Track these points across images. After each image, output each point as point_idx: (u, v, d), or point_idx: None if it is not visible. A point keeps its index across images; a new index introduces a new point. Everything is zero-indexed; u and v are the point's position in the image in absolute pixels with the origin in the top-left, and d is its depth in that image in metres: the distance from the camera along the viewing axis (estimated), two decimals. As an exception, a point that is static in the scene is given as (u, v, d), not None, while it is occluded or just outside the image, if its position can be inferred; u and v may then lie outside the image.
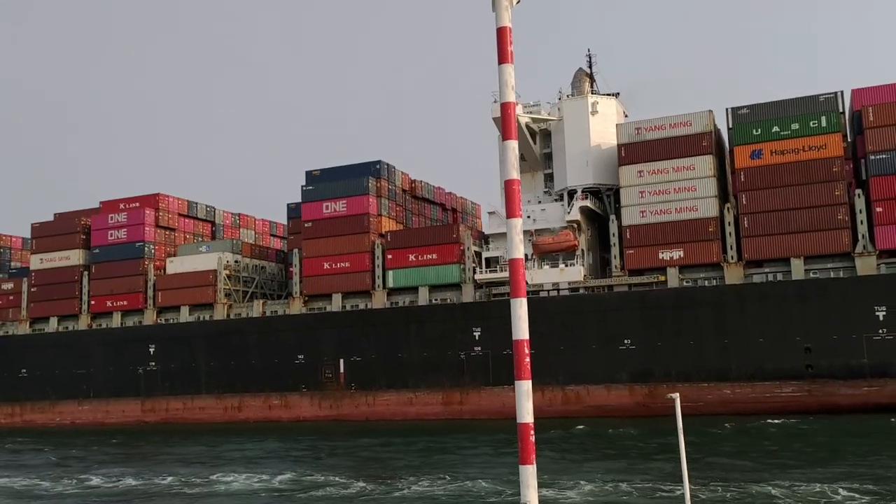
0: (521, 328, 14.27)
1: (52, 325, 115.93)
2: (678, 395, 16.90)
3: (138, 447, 78.91)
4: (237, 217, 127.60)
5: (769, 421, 68.37)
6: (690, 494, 17.16)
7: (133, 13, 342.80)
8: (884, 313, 72.73)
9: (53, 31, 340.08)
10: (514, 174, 14.21)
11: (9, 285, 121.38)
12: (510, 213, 14.52)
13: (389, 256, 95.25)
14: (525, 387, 14.17)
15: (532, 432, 14.25)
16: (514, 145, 14.16)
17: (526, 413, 14.14)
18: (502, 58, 14.44)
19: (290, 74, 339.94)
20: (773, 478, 40.31)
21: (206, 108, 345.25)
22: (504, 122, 14.55)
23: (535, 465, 14.04)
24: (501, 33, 14.30)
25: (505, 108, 14.55)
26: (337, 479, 47.87)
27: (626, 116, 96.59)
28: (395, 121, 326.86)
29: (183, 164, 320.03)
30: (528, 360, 14.26)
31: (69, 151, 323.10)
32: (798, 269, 76.80)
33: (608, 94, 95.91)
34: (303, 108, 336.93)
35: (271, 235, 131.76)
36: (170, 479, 51.79)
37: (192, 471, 54.93)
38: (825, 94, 79.30)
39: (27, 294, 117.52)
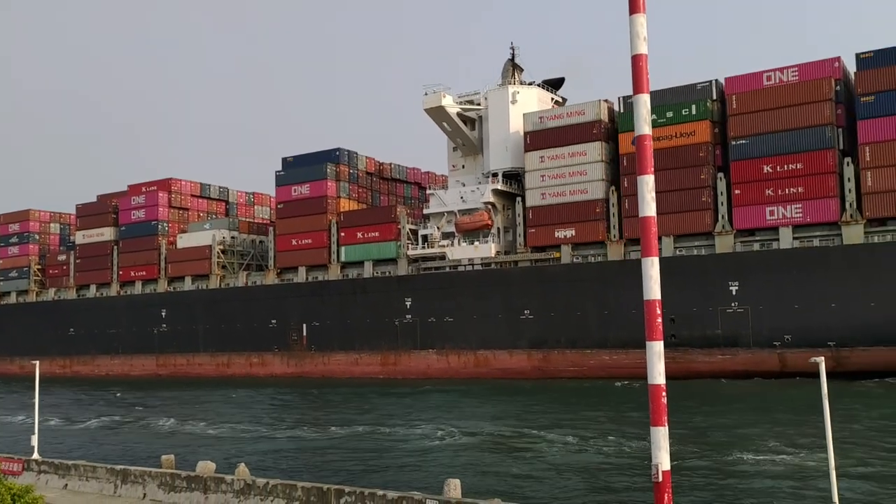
0: (653, 288, 13.76)
1: (92, 292, 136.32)
2: (823, 358, 16.08)
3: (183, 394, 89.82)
4: (251, 196, 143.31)
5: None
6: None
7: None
8: (736, 288, 78.63)
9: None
10: (647, 129, 14.25)
11: (63, 257, 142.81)
12: (641, 170, 14.49)
13: (342, 234, 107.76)
14: (657, 347, 13.55)
15: (664, 394, 13.51)
16: (645, 99, 14.03)
17: (658, 374, 13.42)
18: (633, 7, 13.68)
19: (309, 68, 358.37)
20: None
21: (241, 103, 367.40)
22: (635, 75, 14.05)
23: (666, 427, 13.54)
24: None
25: (637, 60, 13.77)
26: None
27: (557, 103, 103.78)
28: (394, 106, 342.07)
29: (232, 152, 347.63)
30: (659, 320, 13.71)
31: (118, 139, 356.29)
32: (668, 246, 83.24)
33: (538, 84, 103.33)
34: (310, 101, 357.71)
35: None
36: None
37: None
38: (702, 82, 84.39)
39: (74, 265, 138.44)
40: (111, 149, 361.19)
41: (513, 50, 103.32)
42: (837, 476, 16.58)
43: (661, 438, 13.39)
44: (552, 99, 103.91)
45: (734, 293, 78.71)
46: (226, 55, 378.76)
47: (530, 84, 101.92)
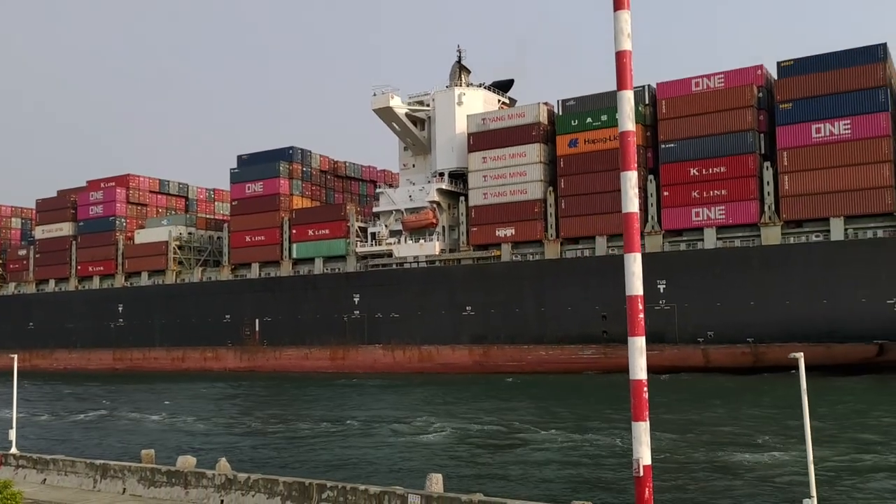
0: (635, 284, 13.80)
1: (51, 286, 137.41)
2: (802, 354, 15.57)
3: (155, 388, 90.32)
4: (212, 192, 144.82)
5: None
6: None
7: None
8: (664, 286, 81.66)
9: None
10: (630, 126, 14.19)
11: (23, 252, 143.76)
12: (625, 166, 14.26)
13: (294, 231, 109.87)
14: (639, 343, 13.85)
15: (645, 389, 13.63)
16: (629, 96, 14.11)
17: (639, 369, 13.64)
18: (618, 3, 13.76)
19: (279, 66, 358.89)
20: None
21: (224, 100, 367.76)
22: (619, 71, 13.99)
23: (648, 422, 13.47)
24: None
25: (620, 56, 13.69)
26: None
27: (505, 104, 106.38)
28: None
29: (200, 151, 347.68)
30: (641, 315, 14.06)
31: (84, 132, 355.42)
32: (601, 246, 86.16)
33: (486, 86, 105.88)
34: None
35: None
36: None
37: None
38: (636, 87, 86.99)
39: (33, 259, 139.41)
40: (75, 143, 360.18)
41: (459, 52, 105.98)
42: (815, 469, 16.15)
43: (642, 433, 13.36)
44: (499, 100, 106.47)
45: (662, 291, 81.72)
46: (205, 53, 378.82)
47: (478, 86, 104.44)
